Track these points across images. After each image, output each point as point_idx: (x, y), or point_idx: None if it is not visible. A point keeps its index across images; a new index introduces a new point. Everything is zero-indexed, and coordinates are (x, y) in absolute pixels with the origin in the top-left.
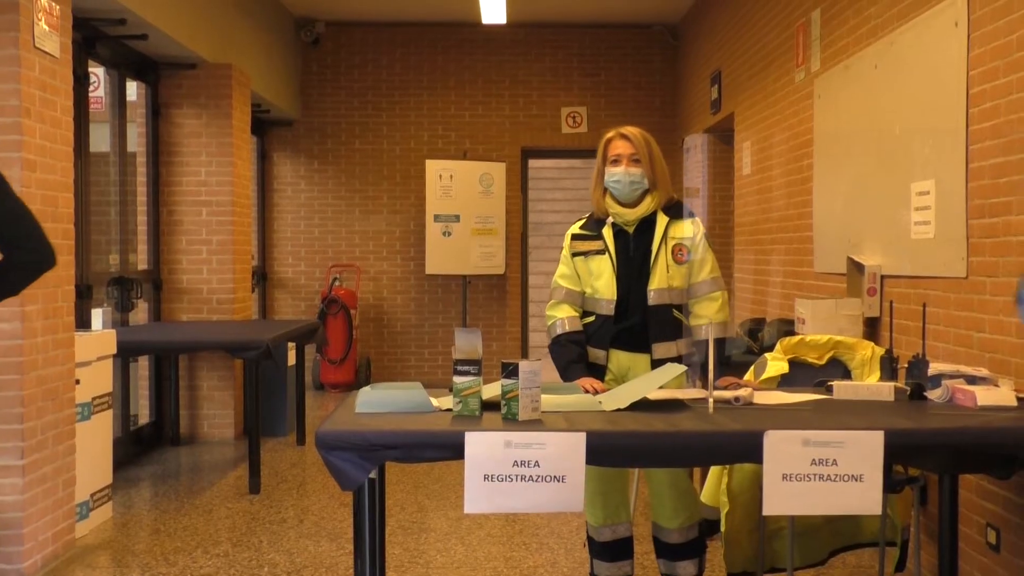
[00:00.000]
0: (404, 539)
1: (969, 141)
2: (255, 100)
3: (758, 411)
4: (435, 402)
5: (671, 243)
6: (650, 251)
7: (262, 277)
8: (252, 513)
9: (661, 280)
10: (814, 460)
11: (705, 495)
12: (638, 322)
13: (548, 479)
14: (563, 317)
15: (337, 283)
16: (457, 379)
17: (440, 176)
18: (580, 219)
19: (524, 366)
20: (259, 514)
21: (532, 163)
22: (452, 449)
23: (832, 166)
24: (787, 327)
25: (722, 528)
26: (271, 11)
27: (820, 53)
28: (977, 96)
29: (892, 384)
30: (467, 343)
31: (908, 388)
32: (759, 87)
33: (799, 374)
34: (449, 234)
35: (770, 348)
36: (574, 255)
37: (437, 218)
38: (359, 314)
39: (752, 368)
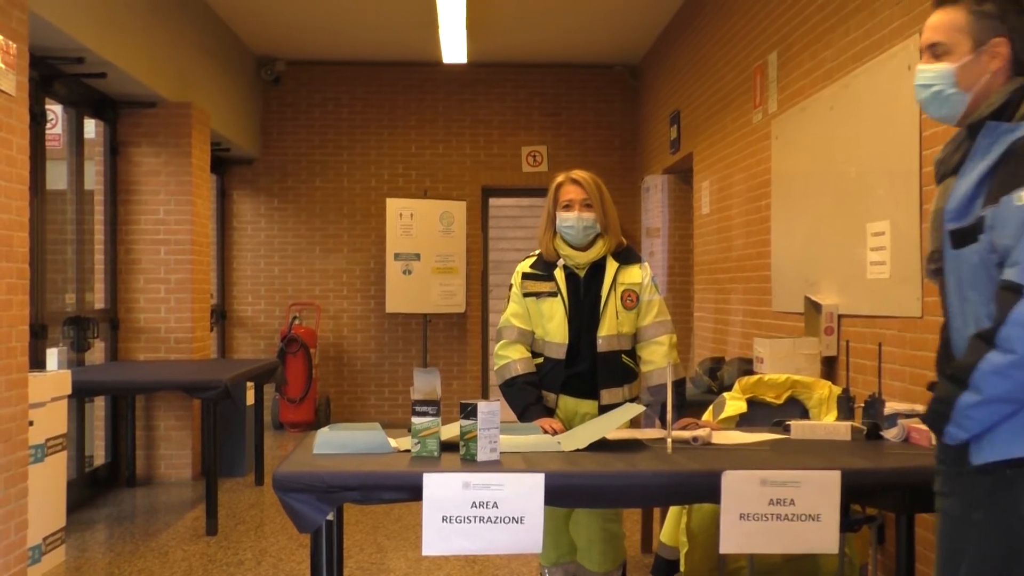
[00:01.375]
0: None
1: (923, 182)
2: (215, 138)
3: (716, 451)
4: (394, 443)
5: (620, 289)
6: (600, 296)
7: (221, 316)
8: (209, 555)
9: (611, 327)
10: (771, 500)
11: (664, 535)
12: (587, 368)
13: (507, 520)
14: (517, 358)
15: (297, 322)
16: (415, 420)
17: (400, 214)
18: (529, 257)
19: (483, 407)
20: (216, 556)
21: (493, 202)
22: (410, 490)
23: (790, 206)
24: (746, 366)
25: (682, 568)
26: (232, 50)
27: (777, 95)
28: (930, 139)
29: (849, 424)
30: (425, 383)
31: (864, 428)
32: (717, 127)
33: (757, 413)
34: (409, 272)
35: (729, 387)
36: (525, 295)
37: (397, 256)
38: (319, 353)
39: (711, 408)
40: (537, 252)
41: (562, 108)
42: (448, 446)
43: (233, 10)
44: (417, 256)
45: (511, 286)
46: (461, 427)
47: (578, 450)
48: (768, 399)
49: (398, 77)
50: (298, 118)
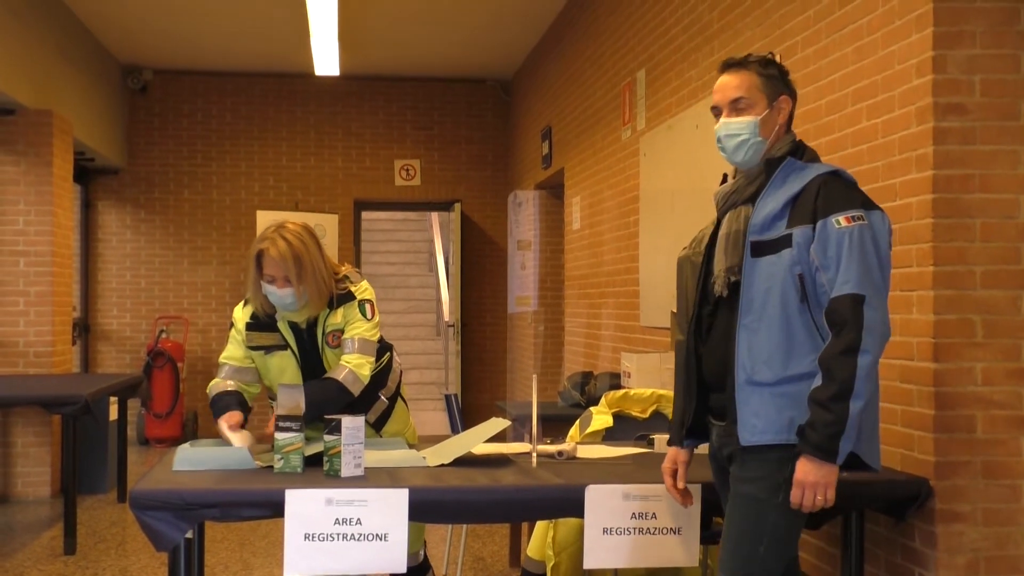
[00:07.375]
0: None
1: None
2: (78, 147)
3: (580, 465)
4: (257, 459)
5: (328, 332)
6: (318, 344)
7: (85, 329)
8: (66, 575)
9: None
10: (634, 514)
11: (531, 549)
12: None
13: (370, 537)
14: (224, 381)
15: (164, 335)
16: (278, 435)
17: None
18: (247, 306)
19: (347, 422)
20: None
21: (365, 215)
22: (272, 507)
23: (656, 222)
24: (615, 380)
25: None
26: (96, 57)
27: (645, 112)
28: None
29: None
30: (289, 399)
31: None
32: (588, 144)
33: (624, 428)
34: None
35: (597, 401)
36: (252, 347)
37: None
38: (186, 367)
39: (577, 422)
40: (247, 298)
41: (435, 122)
42: (312, 462)
43: (96, 17)
44: None
45: (232, 325)
46: (325, 442)
47: (443, 465)
48: (634, 413)
49: (269, 88)
50: (166, 128)
